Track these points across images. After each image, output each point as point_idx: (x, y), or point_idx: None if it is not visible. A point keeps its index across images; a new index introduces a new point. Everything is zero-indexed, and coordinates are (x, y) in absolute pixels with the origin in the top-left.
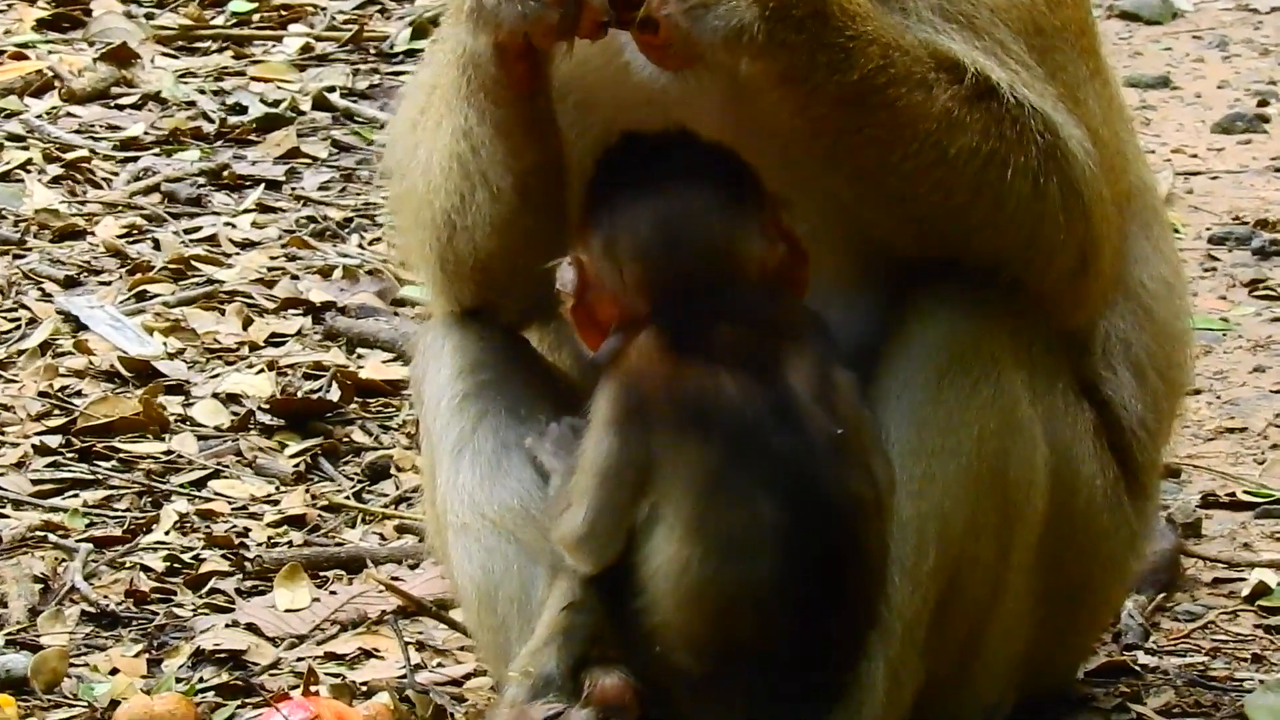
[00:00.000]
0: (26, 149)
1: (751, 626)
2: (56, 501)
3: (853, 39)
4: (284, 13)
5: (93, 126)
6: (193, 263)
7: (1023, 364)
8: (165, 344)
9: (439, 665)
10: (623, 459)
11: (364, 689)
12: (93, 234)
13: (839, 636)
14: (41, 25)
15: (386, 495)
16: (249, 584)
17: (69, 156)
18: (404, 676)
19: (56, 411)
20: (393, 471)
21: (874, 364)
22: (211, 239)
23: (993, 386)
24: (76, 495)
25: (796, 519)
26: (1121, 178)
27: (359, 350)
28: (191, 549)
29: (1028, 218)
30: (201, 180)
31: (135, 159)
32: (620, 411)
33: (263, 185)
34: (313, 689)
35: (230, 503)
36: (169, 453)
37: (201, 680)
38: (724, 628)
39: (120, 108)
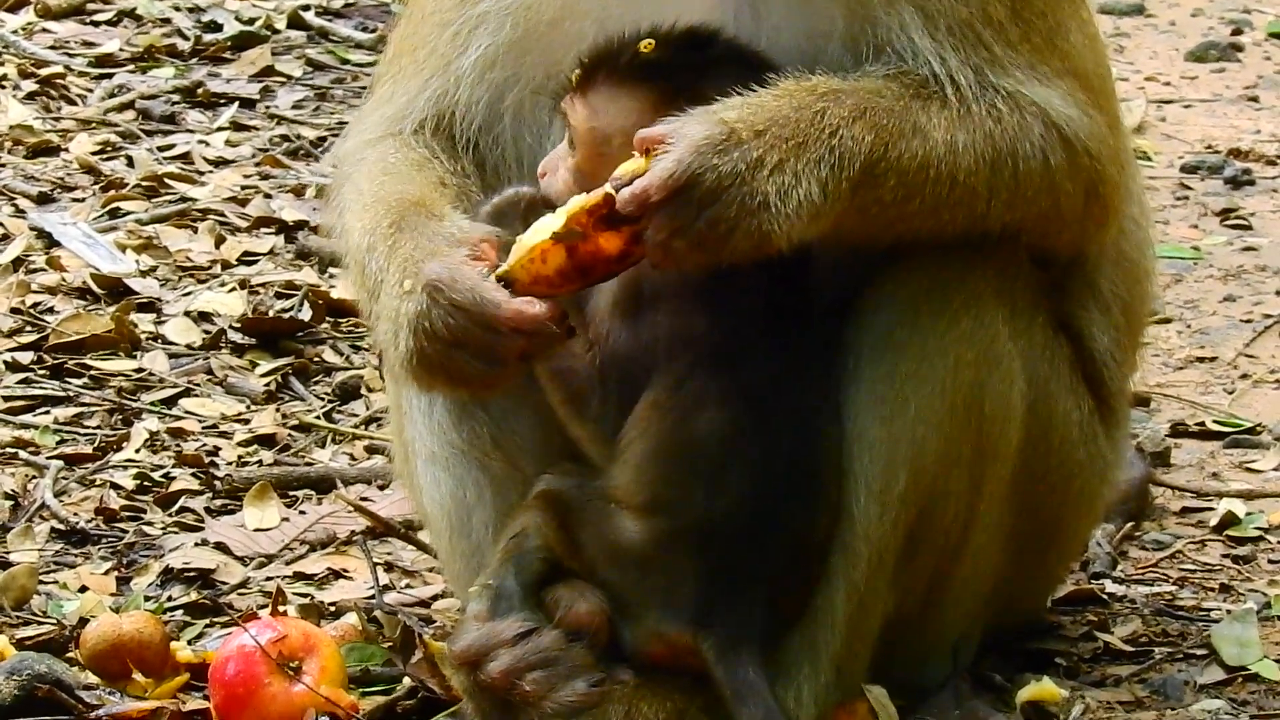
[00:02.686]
0: (1, 64)
1: (703, 491)
2: (27, 418)
3: (838, 138)
4: None
5: (68, 42)
6: (166, 180)
7: (1004, 299)
8: (138, 261)
9: (407, 586)
10: None
11: (332, 609)
12: (66, 150)
13: (793, 529)
14: None
15: (357, 415)
16: (218, 503)
17: (44, 73)
18: (372, 597)
19: (28, 328)
20: (363, 392)
21: (854, 290)
22: (185, 157)
23: (973, 319)
24: (48, 412)
25: (744, 386)
26: (1111, 99)
27: (331, 270)
28: (161, 467)
29: (1042, 193)
30: (176, 98)
31: (110, 76)
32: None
33: (237, 103)
34: (281, 609)
35: (201, 421)
36: (140, 370)
37: (170, 599)
38: (676, 489)
39: (95, 24)
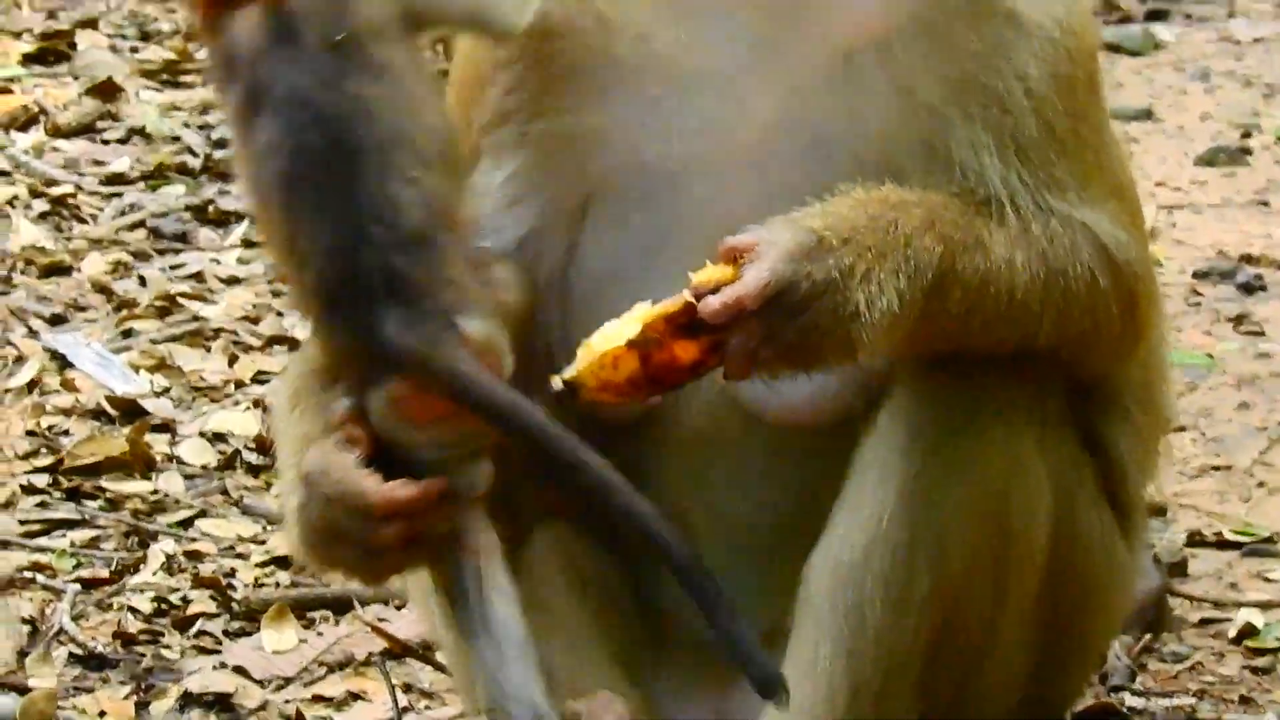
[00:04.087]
0: (12, 184)
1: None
2: (44, 542)
3: (912, 248)
4: None
5: (78, 161)
6: (178, 299)
7: (1035, 409)
8: (151, 381)
9: (426, 708)
10: None
11: None
12: (79, 270)
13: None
14: (27, 59)
15: None
16: (236, 625)
17: (55, 192)
18: (391, 719)
19: (44, 450)
20: None
21: (885, 390)
22: (197, 275)
23: (1004, 427)
24: (64, 535)
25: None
26: (1141, 212)
27: None
28: (179, 589)
29: (1087, 313)
30: (187, 215)
31: (121, 194)
32: None
33: (247, 220)
34: None
35: (217, 543)
36: (156, 492)
37: None
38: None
39: (106, 142)
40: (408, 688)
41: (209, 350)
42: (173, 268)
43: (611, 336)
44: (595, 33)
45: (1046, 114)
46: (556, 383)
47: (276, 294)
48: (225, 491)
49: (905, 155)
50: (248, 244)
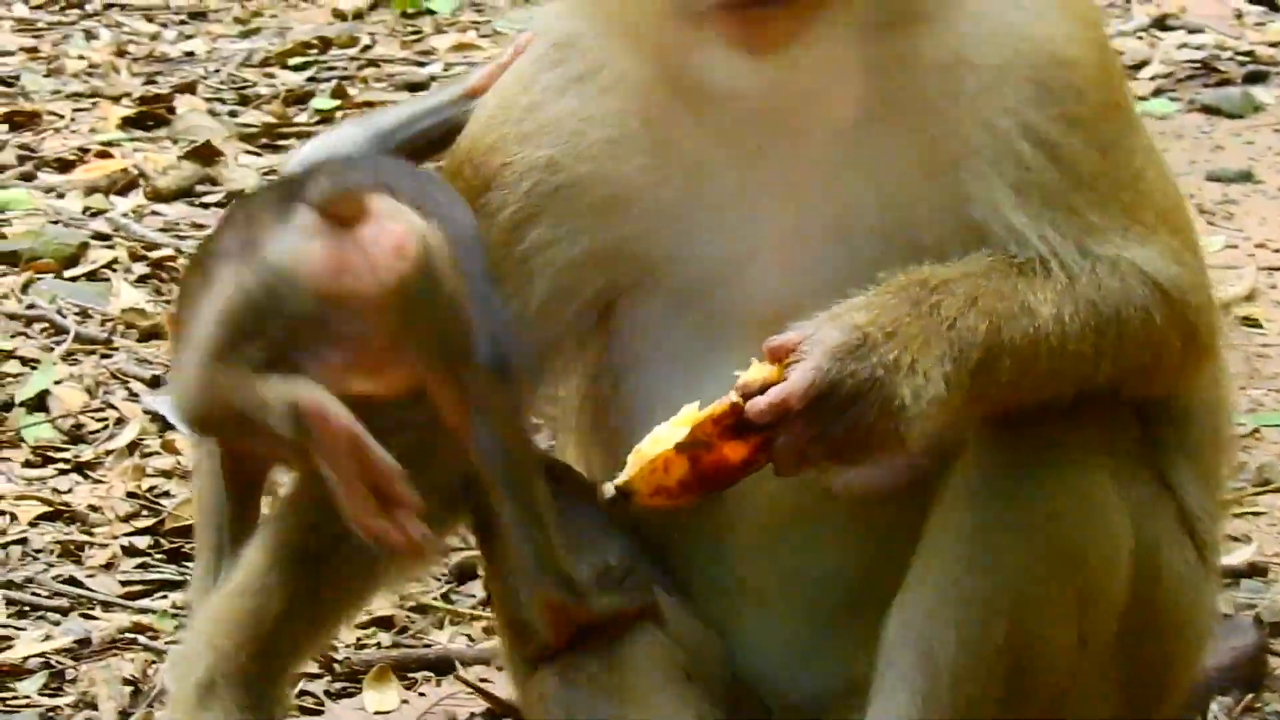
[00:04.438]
0: (112, 248)
1: None
2: (145, 603)
3: (956, 331)
4: (365, 109)
5: (178, 225)
6: None
7: (1107, 450)
8: None
9: None
10: None
11: None
12: None
13: None
14: (126, 123)
15: (474, 596)
16: (338, 685)
17: (154, 255)
18: None
19: (144, 512)
20: (480, 572)
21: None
22: None
23: (1078, 471)
24: (165, 596)
25: None
26: (1190, 231)
27: None
28: None
29: (1146, 349)
30: None
31: None
32: None
33: None
34: None
35: None
36: None
37: None
38: None
39: (205, 205)
40: None
41: None
42: None
43: (661, 440)
44: (603, 158)
45: (1064, 157)
46: (609, 489)
47: None
48: None
49: (930, 228)
50: None
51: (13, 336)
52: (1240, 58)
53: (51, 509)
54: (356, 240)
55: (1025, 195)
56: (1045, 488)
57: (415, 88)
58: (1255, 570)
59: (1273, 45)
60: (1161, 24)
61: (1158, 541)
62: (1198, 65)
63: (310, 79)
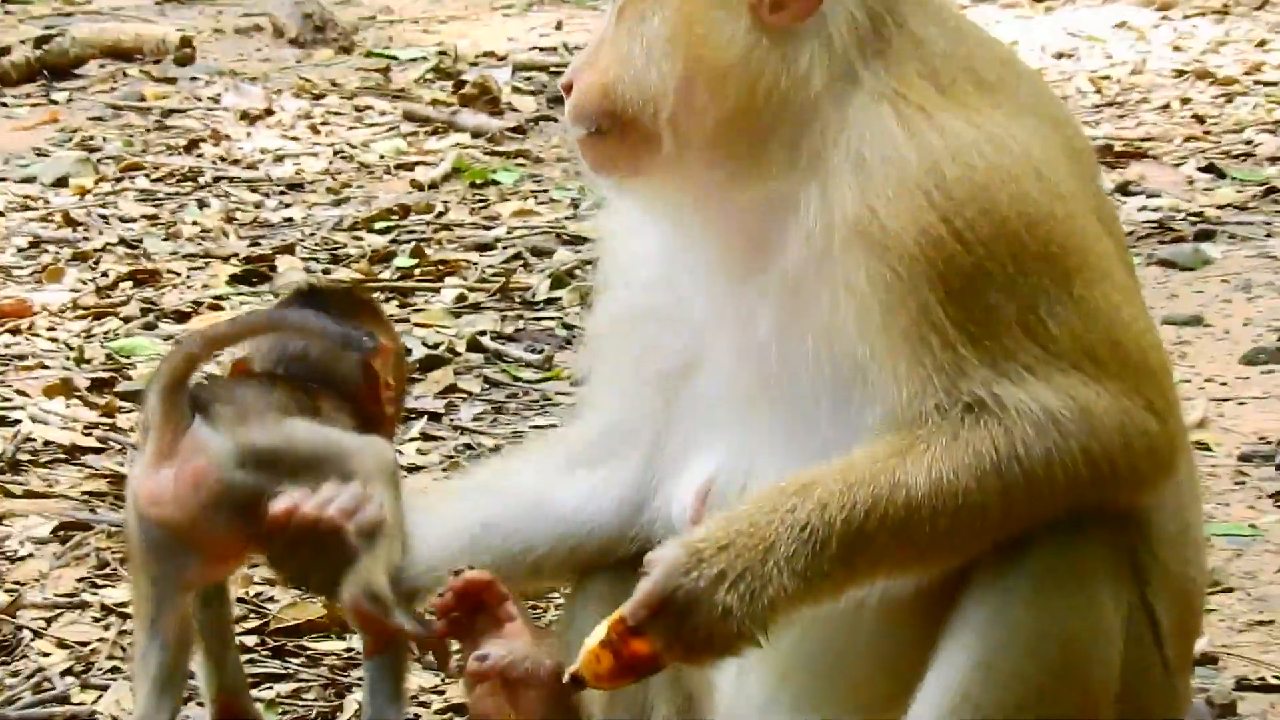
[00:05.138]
0: None
1: None
2: (253, 694)
3: (808, 530)
4: (441, 268)
5: None
6: None
7: (1109, 574)
8: None
9: None
10: None
11: None
12: None
13: None
14: (234, 279)
15: None
16: None
17: None
18: None
19: (252, 614)
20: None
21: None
22: None
23: (1087, 597)
24: (270, 688)
25: None
26: (1133, 358)
27: None
28: None
29: (1074, 481)
30: None
31: None
32: None
33: (425, 417)
34: None
35: None
36: (349, 650)
37: None
38: None
39: None
40: None
41: None
42: None
43: (595, 635)
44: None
45: (955, 302)
46: (566, 675)
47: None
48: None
49: (847, 372)
50: (425, 437)
51: None
52: (1192, 218)
53: None
54: (166, 473)
55: (917, 347)
56: (1060, 614)
57: (483, 248)
58: (1208, 659)
59: (1220, 207)
60: (1124, 189)
61: (1142, 655)
62: (1155, 225)
63: (393, 240)
